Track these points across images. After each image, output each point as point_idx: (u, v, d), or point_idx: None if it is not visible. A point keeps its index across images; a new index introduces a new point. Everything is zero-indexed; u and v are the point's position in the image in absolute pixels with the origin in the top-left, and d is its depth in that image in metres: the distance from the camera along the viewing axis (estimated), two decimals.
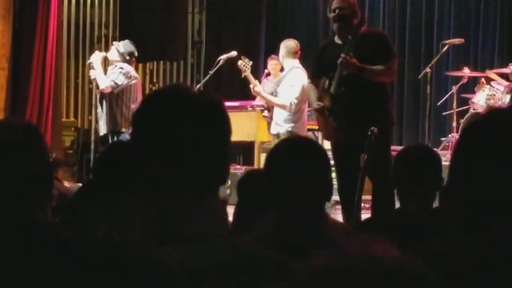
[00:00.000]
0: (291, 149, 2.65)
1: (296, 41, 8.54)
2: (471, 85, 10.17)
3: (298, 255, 1.94)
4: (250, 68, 8.57)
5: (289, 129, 8.04)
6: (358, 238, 2.21)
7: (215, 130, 1.70)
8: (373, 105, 6.04)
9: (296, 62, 8.19)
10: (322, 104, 6.18)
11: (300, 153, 2.59)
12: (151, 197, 1.66)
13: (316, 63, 6.55)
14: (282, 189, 2.53)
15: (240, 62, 8.58)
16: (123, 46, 8.99)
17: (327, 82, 6.22)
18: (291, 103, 8.00)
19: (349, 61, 5.91)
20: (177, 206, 1.63)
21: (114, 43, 9.37)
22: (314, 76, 6.59)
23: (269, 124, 8.49)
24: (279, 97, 8.21)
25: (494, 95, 9.12)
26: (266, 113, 8.47)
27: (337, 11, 6.16)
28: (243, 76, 8.57)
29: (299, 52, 8.34)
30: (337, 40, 6.29)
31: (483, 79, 9.50)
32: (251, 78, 8.50)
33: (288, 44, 8.33)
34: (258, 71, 9.64)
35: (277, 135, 8.10)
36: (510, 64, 9.71)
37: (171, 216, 1.62)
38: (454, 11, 11.69)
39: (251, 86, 8.60)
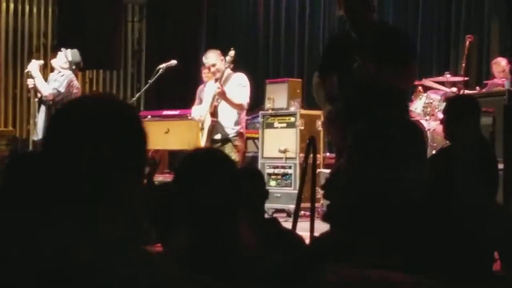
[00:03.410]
0: (203, 162, 2.53)
1: None
2: (409, 93, 10.29)
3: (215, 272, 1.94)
4: (231, 65, 8.20)
5: (240, 130, 8.03)
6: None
7: (132, 137, 1.63)
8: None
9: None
10: (330, 109, 5.43)
11: (209, 165, 2.48)
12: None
13: (329, 57, 5.72)
14: (197, 203, 2.40)
15: (228, 58, 8.17)
16: (72, 55, 8.90)
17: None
18: (247, 103, 7.98)
19: (365, 67, 5.16)
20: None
21: (62, 49, 9.17)
22: (325, 71, 5.69)
23: (210, 129, 8.24)
24: (232, 97, 7.99)
25: (431, 103, 9.25)
26: (211, 117, 8.21)
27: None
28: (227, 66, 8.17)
29: None
30: (353, 33, 5.46)
31: (420, 88, 9.62)
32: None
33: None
34: (198, 79, 9.59)
35: (230, 139, 7.94)
36: (446, 72, 9.88)
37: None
38: (393, 21, 11.84)
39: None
